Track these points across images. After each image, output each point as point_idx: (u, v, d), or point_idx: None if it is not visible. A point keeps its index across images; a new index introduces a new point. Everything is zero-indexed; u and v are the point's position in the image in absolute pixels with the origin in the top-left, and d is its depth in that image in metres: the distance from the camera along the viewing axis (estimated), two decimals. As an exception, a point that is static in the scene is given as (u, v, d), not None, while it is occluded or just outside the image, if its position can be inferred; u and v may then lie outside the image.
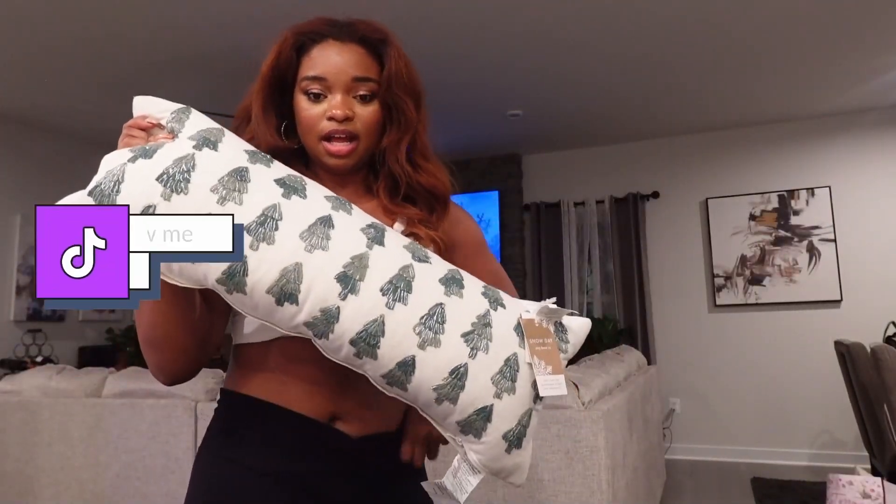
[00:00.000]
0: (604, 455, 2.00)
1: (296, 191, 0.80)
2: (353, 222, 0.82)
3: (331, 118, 0.93)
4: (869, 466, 3.49)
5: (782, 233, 5.04)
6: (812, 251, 4.94)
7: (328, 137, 0.94)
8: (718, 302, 5.14)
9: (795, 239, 5.00)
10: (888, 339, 4.22)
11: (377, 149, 0.99)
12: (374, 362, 0.78)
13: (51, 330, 4.75)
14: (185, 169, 0.77)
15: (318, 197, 0.83)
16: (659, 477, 3.63)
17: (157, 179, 0.75)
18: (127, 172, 0.77)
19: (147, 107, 0.86)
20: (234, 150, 0.83)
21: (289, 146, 0.97)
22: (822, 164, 5.02)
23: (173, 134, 0.83)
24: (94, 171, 0.78)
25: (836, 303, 4.85)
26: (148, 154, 0.78)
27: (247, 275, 0.74)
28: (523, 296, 5.21)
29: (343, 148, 0.94)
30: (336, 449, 0.90)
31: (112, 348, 4.97)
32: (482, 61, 3.85)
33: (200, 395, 2.56)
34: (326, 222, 0.79)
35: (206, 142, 0.81)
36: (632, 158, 5.54)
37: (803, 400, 4.84)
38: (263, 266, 0.75)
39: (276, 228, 0.75)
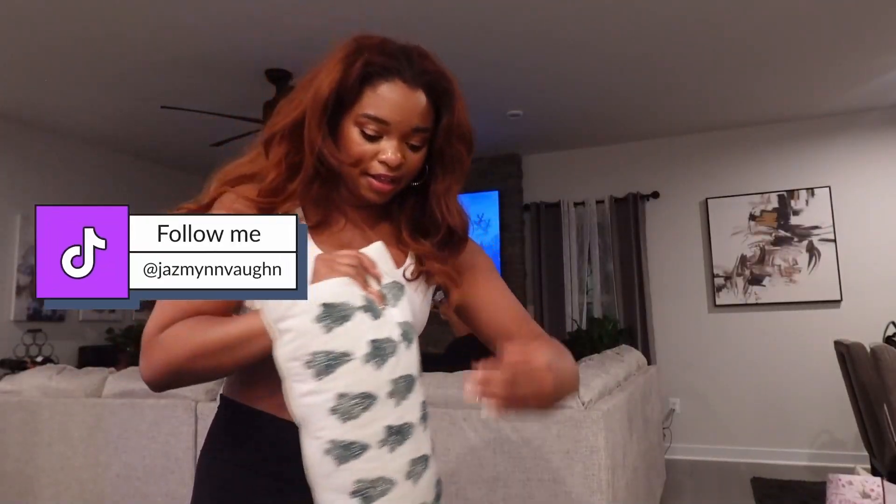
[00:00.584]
0: (604, 455, 2.00)
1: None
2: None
3: (383, 163, 0.93)
4: (869, 466, 3.49)
5: (782, 233, 5.04)
6: (812, 251, 4.94)
7: (373, 175, 0.95)
8: (718, 302, 5.14)
9: (795, 239, 5.00)
10: (888, 339, 4.22)
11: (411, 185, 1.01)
12: None
13: (51, 330, 4.75)
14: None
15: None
16: (659, 477, 3.63)
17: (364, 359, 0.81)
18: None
19: (379, 259, 0.90)
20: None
21: (343, 168, 0.95)
22: (822, 164, 5.02)
23: (385, 304, 0.87)
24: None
25: (836, 303, 4.85)
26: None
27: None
28: (523, 294, 5.12)
29: (386, 188, 0.95)
30: None
31: (112, 348, 4.96)
32: (482, 61, 3.85)
33: (200, 395, 2.56)
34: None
35: (407, 337, 0.87)
36: (632, 158, 5.54)
37: (803, 400, 4.84)
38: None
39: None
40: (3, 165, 4.60)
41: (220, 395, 1.02)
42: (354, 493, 0.79)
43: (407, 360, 0.85)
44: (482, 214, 5.66)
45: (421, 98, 0.94)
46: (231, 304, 0.88)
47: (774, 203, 5.08)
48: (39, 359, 4.45)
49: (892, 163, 4.86)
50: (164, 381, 0.86)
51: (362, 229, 1.02)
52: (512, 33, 3.51)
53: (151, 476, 2.52)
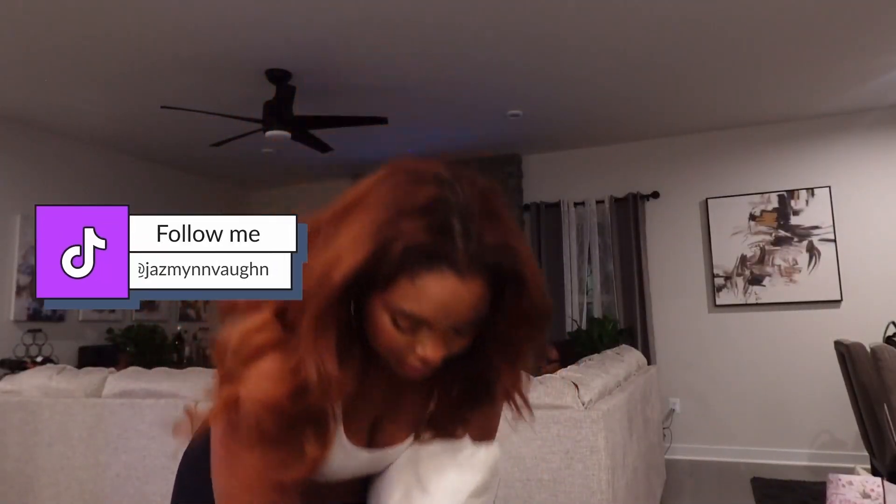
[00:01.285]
0: (604, 455, 2.00)
1: None
2: None
3: (421, 358, 0.74)
4: (869, 466, 3.49)
5: (782, 233, 5.04)
6: (812, 251, 4.94)
7: (407, 364, 0.76)
8: (718, 302, 5.14)
9: (795, 239, 5.00)
10: (888, 339, 4.22)
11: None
12: None
13: (51, 330, 4.75)
14: None
15: None
16: (659, 477, 3.63)
17: None
18: None
19: None
20: None
21: (350, 385, 0.75)
22: (822, 164, 5.02)
23: None
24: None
25: (836, 303, 4.85)
26: None
27: None
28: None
29: (424, 373, 0.76)
30: None
31: (112, 348, 4.96)
32: (482, 61, 3.85)
33: (201, 395, 2.56)
34: None
35: None
36: (632, 158, 5.54)
37: (803, 400, 4.84)
38: None
39: None
40: (3, 165, 4.60)
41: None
42: None
43: None
44: (482, 214, 5.65)
45: (477, 288, 0.71)
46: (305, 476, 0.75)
47: (774, 203, 5.08)
48: (39, 359, 4.45)
49: (892, 163, 4.86)
50: None
51: (389, 382, 0.83)
52: (512, 33, 3.51)
53: (151, 476, 2.52)
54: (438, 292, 0.69)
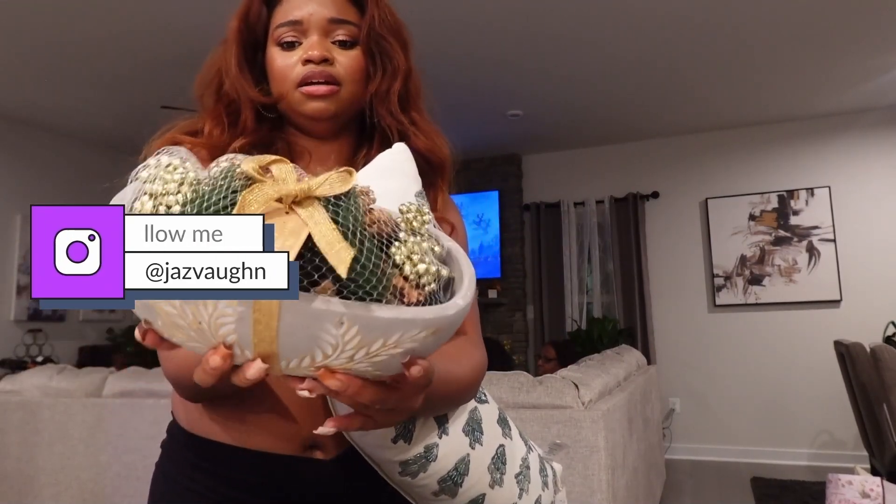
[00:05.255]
0: (604, 455, 2.00)
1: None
2: None
3: (307, 61, 0.81)
4: (869, 466, 3.49)
5: (782, 233, 5.04)
6: (812, 251, 4.94)
7: (305, 82, 0.82)
8: (718, 302, 5.14)
9: (795, 239, 5.00)
10: (888, 339, 4.22)
11: (364, 101, 0.86)
12: (451, 500, 0.80)
13: (51, 330, 4.75)
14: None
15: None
16: (659, 477, 3.63)
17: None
18: None
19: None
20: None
21: (274, 101, 0.85)
22: (822, 164, 5.02)
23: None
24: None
25: (835, 303, 4.85)
26: None
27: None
28: (523, 294, 5.11)
29: (321, 89, 0.81)
30: (313, 479, 0.80)
31: (112, 348, 4.97)
32: (482, 61, 3.85)
33: (200, 395, 2.56)
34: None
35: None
36: (632, 158, 5.54)
37: (803, 400, 4.84)
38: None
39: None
40: (3, 165, 4.60)
41: (171, 423, 0.94)
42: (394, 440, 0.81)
43: None
44: (482, 214, 5.66)
45: None
46: None
47: (774, 203, 5.08)
48: (39, 359, 4.46)
49: (892, 163, 4.86)
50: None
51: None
52: (512, 33, 3.51)
53: (151, 476, 2.52)
54: (300, 0, 0.82)
